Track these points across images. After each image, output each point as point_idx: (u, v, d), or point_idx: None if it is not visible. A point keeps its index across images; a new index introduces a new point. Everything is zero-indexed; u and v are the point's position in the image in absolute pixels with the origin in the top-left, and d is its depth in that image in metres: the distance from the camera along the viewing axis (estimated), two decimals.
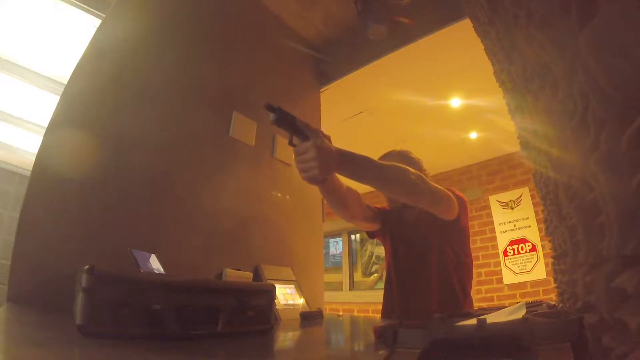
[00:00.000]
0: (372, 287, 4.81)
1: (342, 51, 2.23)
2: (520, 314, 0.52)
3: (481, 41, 0.88)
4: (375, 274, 4.92)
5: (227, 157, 1.52)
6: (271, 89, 1.86)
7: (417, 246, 1.29)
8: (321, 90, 2.30)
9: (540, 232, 3.45)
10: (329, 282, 5.06)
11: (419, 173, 1.06)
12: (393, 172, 1.00)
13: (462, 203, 1.22)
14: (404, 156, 1.36)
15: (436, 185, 1.12)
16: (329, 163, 0.87)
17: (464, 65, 2.36)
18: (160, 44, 1.37)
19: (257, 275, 1.43)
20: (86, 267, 0.59)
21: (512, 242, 3.63)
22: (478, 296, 3.66)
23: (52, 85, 1.83)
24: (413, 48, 1.99)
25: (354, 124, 3.17)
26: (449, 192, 1.16)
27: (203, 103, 1.48)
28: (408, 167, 1.04)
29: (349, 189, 1.18)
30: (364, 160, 0.94)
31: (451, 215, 1.18)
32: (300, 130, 0.90)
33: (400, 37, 1.95)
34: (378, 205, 1.43)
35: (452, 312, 0.71)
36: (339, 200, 1.14)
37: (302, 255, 1.72)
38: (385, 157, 1.42)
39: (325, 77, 2.30)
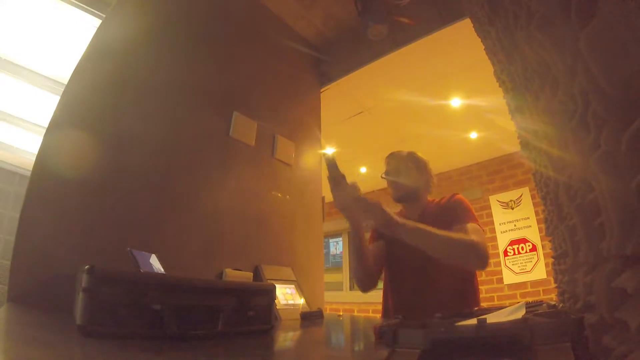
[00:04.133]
0: None
1: (342, 51, 2.23)
2: (520, 314, 0.52)
3: (481, 41, 0.88)
4: None
5: (227, 157, 1.52)
6: (271, 89, 1.86)
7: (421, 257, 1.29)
8: (321, 90, 2.30)
9: (540, 232, 3.45)
10: (329, 282, 5.06)
11: (476, 244, 1.10)
12: (457, 246, 1.08)
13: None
14: (411, 157, 1.40)
15: (481, 243, 1.12)
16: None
17: (464, 65, 2.36)
18: (160, 44, 1.36)
19: (257, 275, 1.43)
20: (86, 267, 0.59)
21: (513, 242, 3.63)
22: None
23: (52, 85, 1.83)
24: (413, 48, 1.99)
25: (354, 124, 3.17)
26: (486, 247, 1.14)
27: (203, 103, 1.48)
28: (472, 243, 1.09)
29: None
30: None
31: (485, 264, 1.16)
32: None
33: (400, 37, 1.95)
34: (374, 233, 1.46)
35: (452, 312, 0.71)
36: (365, 253, 1.25)
37: (302, 255, 1.72)
38: (391, 157, 1.44)
39: (325, 77, 2.30)
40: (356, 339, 1.03)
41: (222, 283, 1.10)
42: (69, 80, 1.06)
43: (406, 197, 1.38)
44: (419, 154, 1.44)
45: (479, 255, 1.10)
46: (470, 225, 1.18)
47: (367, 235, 1.48)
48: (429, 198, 1.43)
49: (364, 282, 1.28)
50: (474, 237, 1.12)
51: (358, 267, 1.26)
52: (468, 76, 2.52)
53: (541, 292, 3.29)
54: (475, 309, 1.12)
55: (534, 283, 3.38)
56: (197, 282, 0.78)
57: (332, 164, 1.11)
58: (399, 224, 1.02)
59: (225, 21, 1.70)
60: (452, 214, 1.25)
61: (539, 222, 3.48)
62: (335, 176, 1.10)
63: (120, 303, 0.61)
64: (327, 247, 5.46)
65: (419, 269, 1.26)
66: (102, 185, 1.07)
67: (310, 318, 1.25)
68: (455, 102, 2.90)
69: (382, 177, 1.43)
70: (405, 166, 1.39)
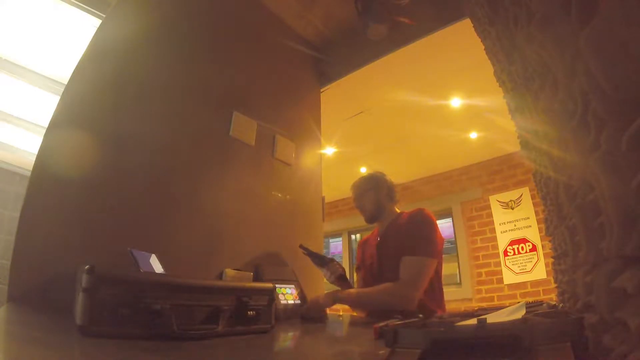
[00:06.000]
0: None
1: (342, 51, 2.22)
2: (520, 314, 0.52)
3: (481, 41, 0.88)
4: None
5: (227, 157, 1.52)
6: (271, 89, 1.86)
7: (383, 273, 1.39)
8: (321, 90, 2.30)
9: (540, 232, 3.45)
10: None
11: (392, 290, 1.25)
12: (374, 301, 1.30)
13: (438, 251, 1.35)
14: (368, 176, 1.59)
15: (401, 286, 1.26)
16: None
17: (464, 65, 2.36)
18: (160, 44, 1.36)
19: (257, 275, 1.43)
20: (86, 267, 0.59)
21: (513, 242, 3.63)
22: (478, 296, 3.66)
23: (52, 85, 1.83)
24: (413, 48, 1.99)
25: (354, 124, 3.16)
26: (409, 286, 1.26)
27: (203, 103, 1.48)
28: (387, 291, 1.25)
29: None
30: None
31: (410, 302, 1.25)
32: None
33: (400, 37, 1.95)
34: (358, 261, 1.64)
35: (452, 313, 0.71)
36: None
37: (302, 255, 1.72)
38: (351, 188, 1.61)
39: (325, 77, 2.30)
40: (356, 338, 1.03)
41: (222, 283, 1.10)
42: (69, 80, 1.06)
43: (373, 218, 1.54)
44: (376, 173, 1.60)
45: (398, 297, 1.23)
46: (418, 260, 1.28)
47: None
48: (399, 210, 1.55)
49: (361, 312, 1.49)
50: (404, 279, 1.25)
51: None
52: (468, 76, 2.52)
53: (541, 292, 3.29)
54: (476, 308, 1.13)
55: (534, 283, 3.38)
56: (197, 282, 0.78)
57: (309, 253, 1.39)
58: (337, 300, 1.30)
59: (225, 21, 1.70)
60: (408, 239, 1.34)
61: (539, 222, 3.48)
62: (319, 260, 1.40)
63: (120, 303, 0.61)
64: (327, 247, 5.46)
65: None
66: (102, 186, 1.07)
67: (310, 318, 1.25)
68: (455, 102, 2.90)
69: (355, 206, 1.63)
70: (360, 194, 1.56)
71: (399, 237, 1.39)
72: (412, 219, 1.41)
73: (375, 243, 1.50)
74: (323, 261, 1.42)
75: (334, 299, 1.30)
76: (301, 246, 1.42)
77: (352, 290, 1.33)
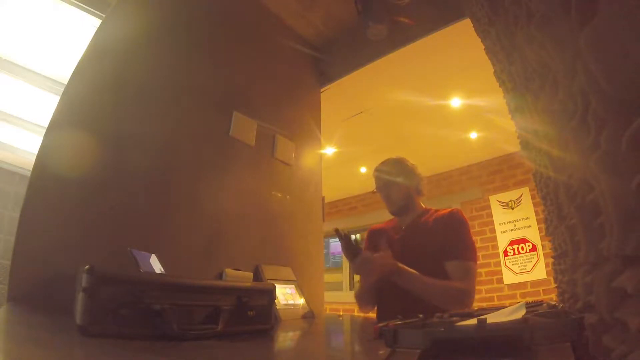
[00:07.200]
0: None
1: (342, 51, 2.23)
2: (520, 314, 0.52)
3: (481, 41, 0.88)
4: None
5: (227, 157, 1.52)
6: (271, 89, 1.86)
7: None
8: (321, 90, 2.30)
9: (540, 232, 3.45)
10: (329, 282, 5.05)
11: (463, 296, 1.18)
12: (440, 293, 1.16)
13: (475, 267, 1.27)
14: (399, 164, 1.44)
15: (468, 292, 1.21)
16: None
17: (464, 65, 2.36)
18: (160, 44, 1.36)
19: (257, 275, 1.43)
20: (86, 267, 0.60)
21: (513, 242, 3.63)
22: (478, 296, 3.65)
23: (52, 85, 1.83)
24: (413, 48, 1.99)
25: (354, 124, 3.16)
26: (472, 293, 1.22)
27: (203, 103, 1.48)
28: (459, 296, 1.17)
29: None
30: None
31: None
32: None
33: (400, 37, 1.95)
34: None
35: (452, 313, 0.71)
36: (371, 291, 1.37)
37: (302, 255, 1.72)
38: (378, 171, 1.48)
39: (325, 77, 2.30)
40: (356, 338, 1.03)
41: (222, 283, 1.10)
42: (69, 80, 1.06)
43: (399, 210, 1.43)
44: (406, 161, 1.48)
45: (463, 304, 1.17)
46: (466, 265, 1.23)
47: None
48: (424, 205, 1.47)
49: (367, 305, 1.42)
50: (464, 284, 1.19)
51: (363, 298, 1.40)
52: (468, 76, 2.51)
53: (541, 292, 3.28)
54: (476, 308, 1.13)
55: (534, 283, 3.38)
56: (197, 282, 0.78)
57: (345, 239, 1.23)
58: (397, 272, 1.16)
59: (225, 21, 1.70)
60: (450, 242, 1.26)
61: (539, 222, 3.48)
62: (353, 251, 1.23)
63: (120, 303, 0.61)
64: (327, 247, 5.46)
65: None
66: (102, 186, 1.07)
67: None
68: (455, 102, 2.89)
69: (373, 192, 1.50)
70: (389, 182, 1.43)
71: (432, 236, 1.30)
72: (452, 221, 1.32)
73: (396, 236, 1.41)
74: (358, 250, 1.27)
75: (398, 268, 1.16)
76: (337, 230, 1.26)
77: (413, 271, 1.17)
